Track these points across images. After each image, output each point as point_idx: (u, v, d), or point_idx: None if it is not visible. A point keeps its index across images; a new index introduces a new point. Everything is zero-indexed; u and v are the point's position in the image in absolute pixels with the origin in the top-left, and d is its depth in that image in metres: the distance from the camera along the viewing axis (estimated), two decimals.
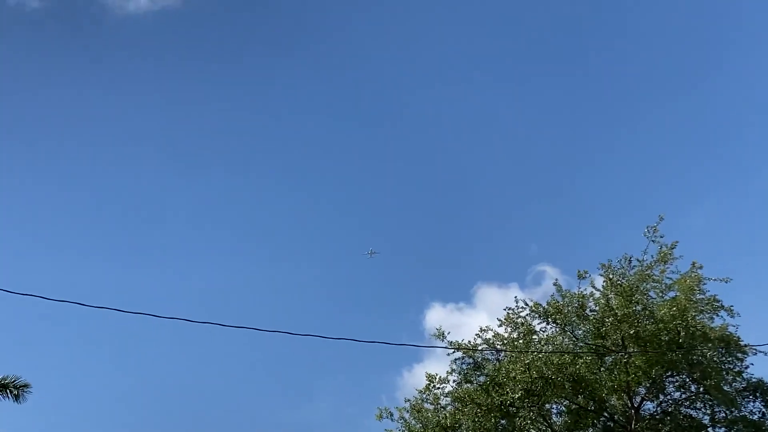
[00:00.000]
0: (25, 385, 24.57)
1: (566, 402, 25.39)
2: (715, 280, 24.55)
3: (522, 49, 64.16)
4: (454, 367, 25.41)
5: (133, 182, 62.50)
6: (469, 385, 25.11)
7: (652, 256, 25.09)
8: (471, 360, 25.41)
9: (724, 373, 24.37)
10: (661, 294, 25.04)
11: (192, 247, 61.62)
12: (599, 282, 25.06)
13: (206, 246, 62.06)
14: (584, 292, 25.06)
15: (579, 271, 25.05)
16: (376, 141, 64.11)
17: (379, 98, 64.53)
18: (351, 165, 64.47)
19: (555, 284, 25.59)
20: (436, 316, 49.69)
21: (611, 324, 23.83)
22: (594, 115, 62.87)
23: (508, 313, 25.17)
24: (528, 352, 23.96)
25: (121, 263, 59.97)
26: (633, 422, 24.30)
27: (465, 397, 24.40)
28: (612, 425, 25.30)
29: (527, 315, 25.10)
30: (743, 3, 58.64)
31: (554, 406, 25.85)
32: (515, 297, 25.51)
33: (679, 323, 23.48)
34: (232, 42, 65.59)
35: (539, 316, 25.02)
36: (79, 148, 63.41)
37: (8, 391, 24.26)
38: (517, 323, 25.04)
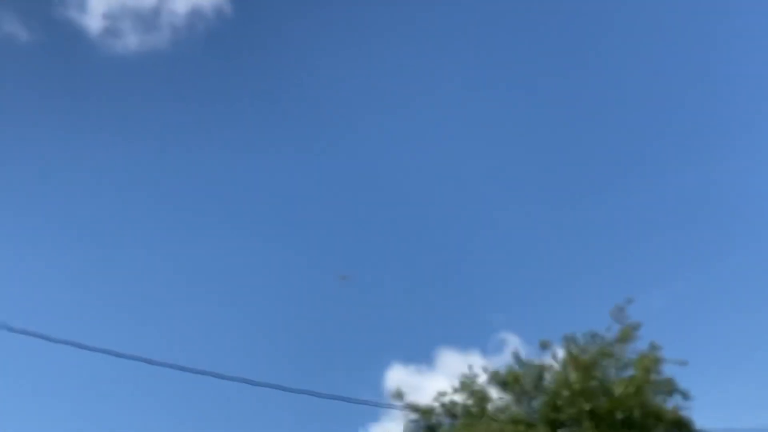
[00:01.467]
0: None
1: None
2: (672, 362, 24.83)
3: (497, 125, 65.08)
4: None
5: (117, 230, 62.13)
6: None
7: (614, 334, 25.30)
8: (425, 423, 25.31)
9: None
10: (618, 371, 25.18)
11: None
12: (561, 353, 25.21)
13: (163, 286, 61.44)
14: (543, 363, 25.16)
15: (542, 341, 25.25)
16: (346, 201, 64.36)
17: (353, 159, 64.98)
18: (317, 225, 64.58)
19: (513, 354, 25.74)
20: (396, 377, 49.42)
21: (567, 398, 23.90)
22: (569, 190, 63.66)
23: (462, 379, 25.22)
24: (483, 418, 23.94)
25: (116, 306, 59.48)
26: None
27: None
28: None
29: (485, 382, 25.13)
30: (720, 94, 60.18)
31: None
32: (468, 365, 25.51)
33: (634, 402, 23.61)
34: (219, 87, 66.07)
35: (498, 384, 25.06)
36: (65, 183, 63.20)
37: None
38: (473, 390, 25.07)
